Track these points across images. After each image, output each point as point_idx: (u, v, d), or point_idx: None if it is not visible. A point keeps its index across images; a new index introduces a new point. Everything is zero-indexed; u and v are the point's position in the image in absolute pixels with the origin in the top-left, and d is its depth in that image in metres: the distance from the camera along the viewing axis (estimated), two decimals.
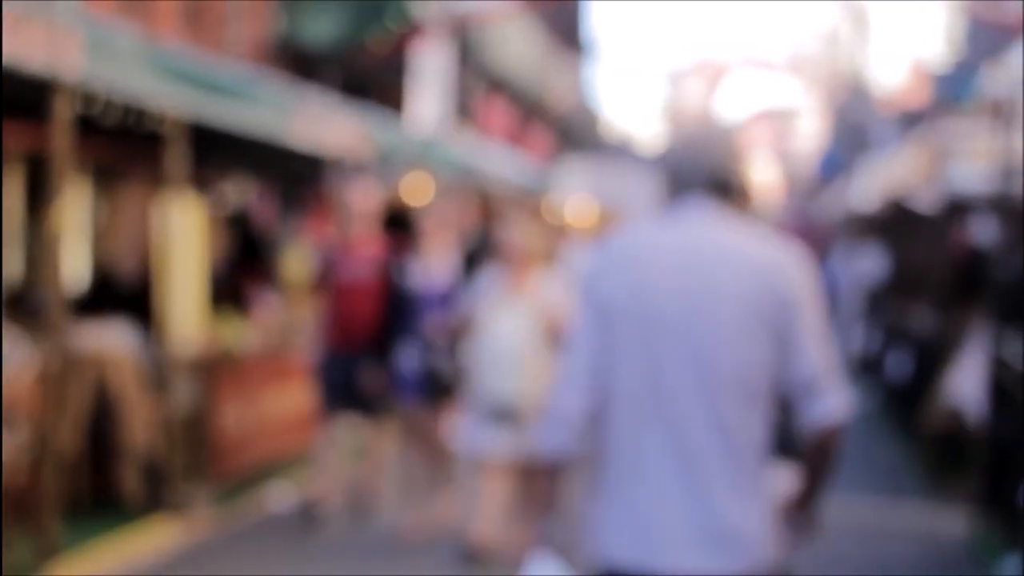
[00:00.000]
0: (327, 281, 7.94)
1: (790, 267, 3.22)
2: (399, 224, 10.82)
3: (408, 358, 7.68)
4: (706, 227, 3.24)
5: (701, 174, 3.28)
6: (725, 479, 3.15)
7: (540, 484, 3.31)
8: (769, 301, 3.17)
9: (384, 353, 7.77)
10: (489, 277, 6.98)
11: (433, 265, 7.92)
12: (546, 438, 3.25)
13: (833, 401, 3.21)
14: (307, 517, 7.84)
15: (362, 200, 8.02)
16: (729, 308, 3.16)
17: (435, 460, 7.76)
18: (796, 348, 3.18)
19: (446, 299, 7.70)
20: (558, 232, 16.16)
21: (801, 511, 3.31)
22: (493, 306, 6.78)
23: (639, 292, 3.19)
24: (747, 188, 3.33)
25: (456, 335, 7.00)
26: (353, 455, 8.63)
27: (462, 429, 6.95)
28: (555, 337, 6.61)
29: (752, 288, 3.17)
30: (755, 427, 3.18)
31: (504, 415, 6.67)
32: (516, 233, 6.89)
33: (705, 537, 3.14)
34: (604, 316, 3.21)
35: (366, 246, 7.94)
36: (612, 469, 3.22)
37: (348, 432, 8.43)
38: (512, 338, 6.69)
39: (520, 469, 6.78)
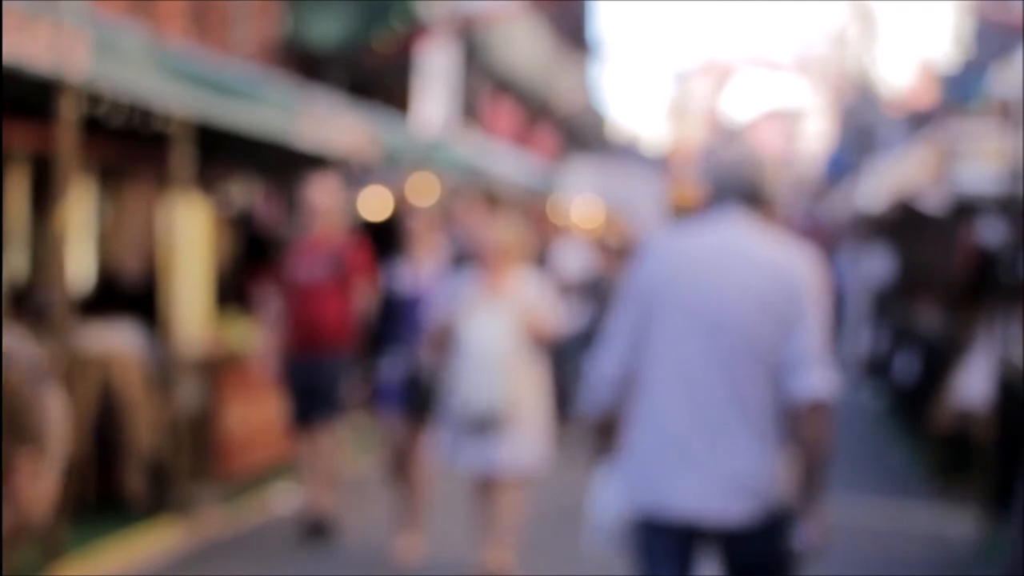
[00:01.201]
0: (285, 281, 7.63)
1: (801, 268, 3.86)
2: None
3: (391, 367, 7.22)
4: (735, 232, 3.91)
5: (736, 188, 3.93)
6: (740, 437, 3.75)
7: (594, 436, 4.08)
8: (780, 295, 3.79)
9: (367, 361, 7.46)
10: (465, 279, 6.53)
11: (422, 269, 7.38)
12: (587, 397, 4.02)
13: (818, 377, 3.77)
14: (310, 529, 7.59)
15: (323, 197, 7.71)
16: (747, 299, 3.78)
17: (412, 482, 7.27)
18: (795, 331, 3.78)
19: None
20: (544, 231, 16.11)
21: (806, 505, 3.77)
22: (470, 309, 6.32)
23: (674, 282, 3.85)
24: (774, 200, 3.97)
25: (437, 345, 6.46)
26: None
27: (441, 442, 6.47)
28: (537, 338, 6.35)
29: (767, 284, 3.80)
30: (765, 396, 3.78)
31: (486, 424, 6.22)
32: (491, 232, 6.49)
33: (721, 485, 3.74)
34: (644, 300, 3.88)
35: (326, 243, 7.65)
36: (643, 428, 3.84)
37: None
38: (492, 342, 6.23)
39: (506, 481, 6.43)
